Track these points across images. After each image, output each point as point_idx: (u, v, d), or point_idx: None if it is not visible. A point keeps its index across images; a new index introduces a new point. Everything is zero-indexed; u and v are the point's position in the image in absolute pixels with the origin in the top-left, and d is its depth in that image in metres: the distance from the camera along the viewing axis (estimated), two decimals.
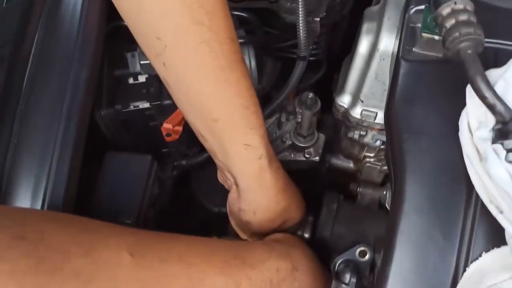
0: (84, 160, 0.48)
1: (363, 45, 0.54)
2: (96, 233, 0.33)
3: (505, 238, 0.35)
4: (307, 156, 0.62)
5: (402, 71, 0.44)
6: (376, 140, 0.60)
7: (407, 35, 0.45)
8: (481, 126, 0.35)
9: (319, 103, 0.63)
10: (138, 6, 0.41)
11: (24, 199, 0.42)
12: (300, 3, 0.52)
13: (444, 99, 0.41)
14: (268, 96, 0.70)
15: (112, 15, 0.52)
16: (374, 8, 0.55)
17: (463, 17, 0.36)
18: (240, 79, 0.47)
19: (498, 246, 0.37)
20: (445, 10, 0.37)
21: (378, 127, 0.59)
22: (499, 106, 0.33)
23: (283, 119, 0.64)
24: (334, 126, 0.68)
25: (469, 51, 0.35)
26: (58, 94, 0.46)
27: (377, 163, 0.63)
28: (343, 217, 0.58)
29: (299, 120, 0.63)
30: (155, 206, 0.52)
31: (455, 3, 0.37)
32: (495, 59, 0.42)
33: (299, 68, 0.58)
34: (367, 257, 0.45)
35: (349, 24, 0.73)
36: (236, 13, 0.61)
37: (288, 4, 0.61)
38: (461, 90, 0.37)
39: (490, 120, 0.35)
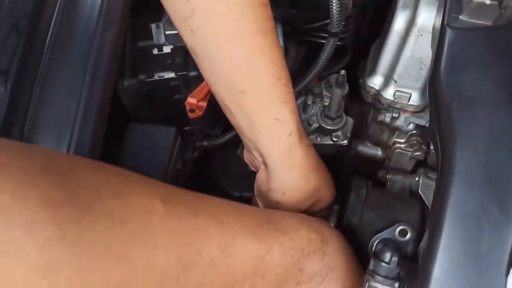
0: (106, 133, 0.45)
1: (399, 21, 0.52)
2: (127, 179, 0.30)
3: None
4: (334, 139, 0.60)
5: (449, 38, 0.41)
6: (409, 124, 0.58)
7: (453, 2, 0.43)
8: None
9: (347, 87, 0.60)
10: None
11: None
12: None
13: (497, 65, 0.38)
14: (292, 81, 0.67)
15: None
16: None
17: None
18: (272, 47, 0.44)
19: None
20: None
21: (411, 109, 0.56)
22: None
23: (309, 102, 0.61)
24: (360, 113, 0.65)
25: None
26: (81, 59, 0.44)
27: (408, 149, 0.60)
28: (373, 203, 0.55)
29: (326, 103, 0.61)
30: (177, 183, 0.50)
31: None
32: None
33: (330, 45, 0.55)
34: (407, 236, 0.42)
35: (375, 10, 0.71)
36: None
37: None
38: None
39: None
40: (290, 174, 0.49)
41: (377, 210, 0.55)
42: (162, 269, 0.30)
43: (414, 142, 0.59)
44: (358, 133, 0.65)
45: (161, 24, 0.52)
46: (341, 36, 0.67)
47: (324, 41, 0.54)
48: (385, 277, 0.39)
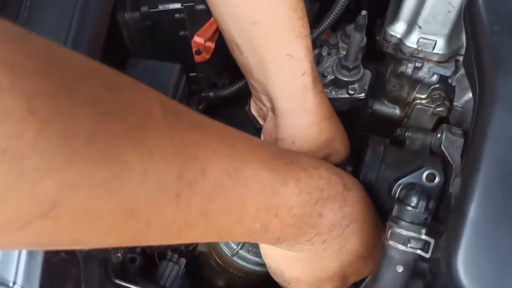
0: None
1: None
2: (121, 76, 0.26)
3: None
4: (351, 92, 0.55)
5: None
6: (433, 75, 0.53)
7: None
8: None
9: (365, 39, 0.56)
10: None
11: None
12: None
13: None
14: None
15: None
16: None
17: None
18: None
19: None
20: None
21: (436, 58, 0.52)
22: None
23: (324, 53, 0.57)
24: (377, 72, 0.61)
25: None
26: None
27: (430, 105, 0.56)
28: (391, 160, 0.51)
29: (342, 55, 0.56)
30: None
31: None
32: None
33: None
34: (436, 181, 0.37)
35: None
36: None
37: None
38: None
39: None
40: (301, 121, 0.45)
41: (395, 167, 0.51)
42: (159, 182, 0.25)
43: (437, 96, 0.55)
44: (375, 92, 0.61)
45: None
46: None
47: None
48: (411, 222, 0.35)
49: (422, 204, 0.35)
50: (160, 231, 0.28)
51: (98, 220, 0.24)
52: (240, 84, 0.55)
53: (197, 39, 0.47)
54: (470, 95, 0.46)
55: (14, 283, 0.29)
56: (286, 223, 0.35)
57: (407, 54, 0.52)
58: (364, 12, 0.50)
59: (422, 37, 0.50)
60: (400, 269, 0.35)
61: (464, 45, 0.47)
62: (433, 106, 0.56)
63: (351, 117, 0.60)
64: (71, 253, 0.32)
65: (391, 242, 0.35)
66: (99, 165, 0.22)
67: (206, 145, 0.28)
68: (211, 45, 0.48)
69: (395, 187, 0.39)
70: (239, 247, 0.46)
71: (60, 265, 0.31)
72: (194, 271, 0.53)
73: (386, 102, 0.60)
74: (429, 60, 0.52)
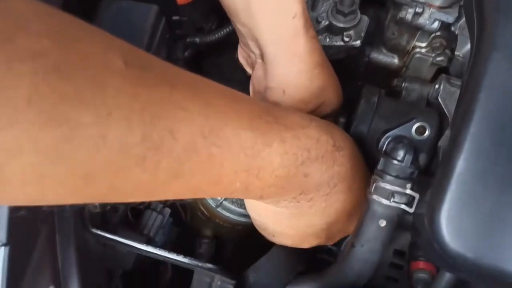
0: (74, 10, 0.38)
1: None
2: (77, 22, 0.23)
3: None
4: (346, 39, 0.52)
5: None
6: (434, 21, 0.50)
7: None
8: None
9: None
10: None
11: None
12: None
13: None
14: None
15: None
16: None
17: None
18: None
19: None
20: None
21: (438, 3, 0.48)
22: None
23: None
24: (376, 18, 0.57)
25: None
26: None
27: (430, 54, 0.53)
28: (385, 111, 0.48)
29: None
30: None
31: None
32: None
33: None
34: (426, 134, 0.36)
35: None
36: None
37: None
38: None
39: None
40: (291, 69, 0.42)
41: (389, 118, 0.49)
42: (120, 146, 0.23)
43: (438, 45, 0.52)
44: (373, 40, 0.58)
45: None
46: None
47: None
48: (396, 176, 0.34)
49: (409, 158, 0.33)
50: (126, 193, 0.26)
51: (52, 184, 0.22)
52: (228, 29, 0.52)
53: None
54: None
55: None
56: (268, 183, 0.33)
57: None
58: None
59: None
60: (383, 223, 0.34)
61: None
62: (433, 55, 0.53)
63: (346, 66, 0.57)
64: (39, 207, 0.31)
65: (374, 196, 0.34)
66: (44, 128, 0.20)
67: (176, 102, 0.26)
68: None
69: (383, 139, 0.38)
70: (223, 199, 0.45)
71: (29, 218, 0.31)
72: (181, 220, 0.53)
73: (384, 51, 0.57)
74: (430, 5, 0.48)
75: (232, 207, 0.46)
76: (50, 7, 0.22)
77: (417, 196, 0.33)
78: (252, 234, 0.47)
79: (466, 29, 0.48)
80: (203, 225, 0.52)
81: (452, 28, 0.50)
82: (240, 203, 0.46)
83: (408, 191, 0.33)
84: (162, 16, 0.42)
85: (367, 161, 0.44)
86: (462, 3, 0.48)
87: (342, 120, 0.52)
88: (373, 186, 0.35)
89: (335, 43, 0.53)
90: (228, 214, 0.47)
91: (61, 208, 0.32)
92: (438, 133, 0.40)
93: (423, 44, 0.53)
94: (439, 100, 0.48)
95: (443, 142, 0.35)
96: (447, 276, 0.35)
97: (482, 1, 0.31)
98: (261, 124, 0.31)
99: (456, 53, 0.51)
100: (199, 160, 0.28)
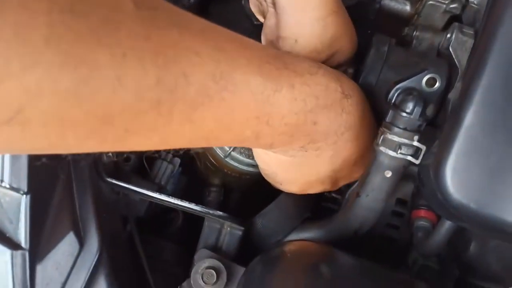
0: None
1: None
2: None
3: None
4: None
5: None
6: None
7: None
8: None
9: None
10: None
11: None
12: None
13: None
14: None
15: None
16: None
17: None
18: None
19: None
20: None
21: None
22: None
23: None
24: None
25: None
26: None
27: (443, 0, 0.51)
28: (394, 62, 0.48)
29: None
30: None
31: None
32: None
33: None
34: (436, 86, 0.35)
35: None
36: None
37: None
38: None
39: None
40: (304, 17, 0.41)
41: (399, 69, 0.48)
42: (136, 88, 0.23)
43: None
44: None
45: None
46: None
47: None
48: (404, 129, 0.34)
49: (418, 110, 0.33)
50: (142, 138, 0.27)
51: (72, 126, 0.23)
52: None
53: None
54: None
55: (2, 180, 0.30)
56: (278, 131, 0.34)
57: None
58: None
59: None
60: (388, 174, 0.35)
61: None
62: (446, 2, 0.51)
63: (356, 14, 0.56)
64: (57, 156, 0.32)
65: (382, 148, 0.35)
66: (63, 69, 0.20)
67: (188, 46, 0.26)
68: None
69: (392, 91, 0.38)
70: (231, 149, 0.46)
71: (47, 167, 0.32)
72: (190, 170, 0.54)
73: None
74: None
75: (240, 157, 0.47)
76: None
77: (424, 148, 0.34)
78: (258, 183, 0.49)
79: None
80: (212, 175, 0.53)
81: None
82: (248, 154, 0.47)
83: (416, 143, 0.34)
84: None
85: (375, 112, 0.44)
86: None
87: (350, 70, 0.52)
88: (381, 138, 0.35)
89: None
90: (236, 164, 0.48)
91: (77, 158, 0.33)
92: (448, 85, 0.40)
93: None
94: (450, 50, 0.47)
95: (453, 94, 0.35)
96: (447, 224, 0.36)
97: None
98: (270, 69, 0.31)
99: (470, 0, 0.50)
100: (211, 105, 0.28)
